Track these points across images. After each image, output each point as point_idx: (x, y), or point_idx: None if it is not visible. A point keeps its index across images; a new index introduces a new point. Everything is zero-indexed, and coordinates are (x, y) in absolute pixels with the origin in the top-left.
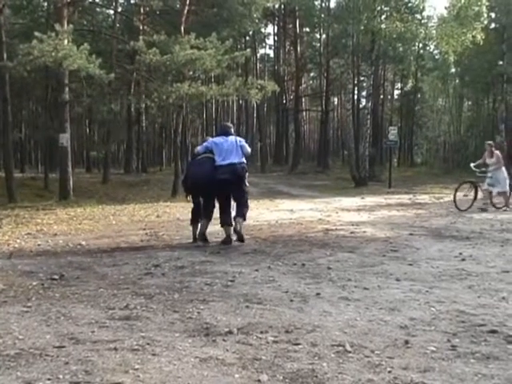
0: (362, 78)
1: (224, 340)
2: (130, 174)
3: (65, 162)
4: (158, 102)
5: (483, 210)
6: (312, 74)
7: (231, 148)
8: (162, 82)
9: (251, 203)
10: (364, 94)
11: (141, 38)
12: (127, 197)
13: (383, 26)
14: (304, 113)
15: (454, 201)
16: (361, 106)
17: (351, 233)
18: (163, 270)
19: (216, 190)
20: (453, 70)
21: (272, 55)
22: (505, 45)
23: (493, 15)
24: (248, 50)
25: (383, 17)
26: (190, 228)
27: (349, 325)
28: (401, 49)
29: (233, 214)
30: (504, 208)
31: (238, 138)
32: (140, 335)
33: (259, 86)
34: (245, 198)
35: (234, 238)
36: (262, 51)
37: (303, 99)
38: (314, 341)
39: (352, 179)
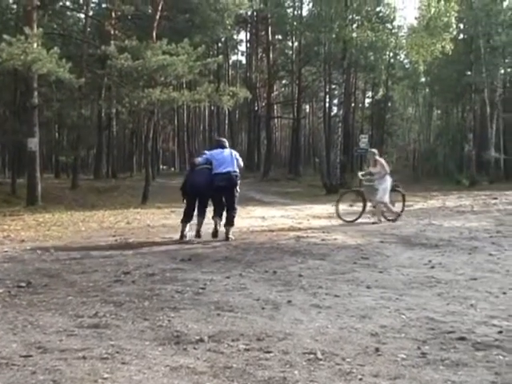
0: (333, 86)
1: (195, 348)
2: (99, 180)
3: (33, 166)
4: (129, 107)
5: (375, 222)
6: (284, 82)
7: (227, 159)
8: (134, 87)
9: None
10: (335, 101)
11: (112, 42)
12: (97, 203)
13: (354, 34)
14: (276, 120)
15: (337, 211)
16: (332, 113)
17: (322, 240)
18: (133, 277)
19: (212, 193)
20: (423, 79)
21: (244, 62)
22: (473, 55)
23: (461, 26)
24: (220, 56)
25: (355, 26)
26: (180, 226)
27: (320, 332)
28: (372, 57)
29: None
30: (376, 220)
31: (234, 152)
32: (109, 343)
33: (231, 93)
34: (235, 201)
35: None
36: (234, 58)
37: (275, 106)
38: (286, 349)
39: (323, 186)
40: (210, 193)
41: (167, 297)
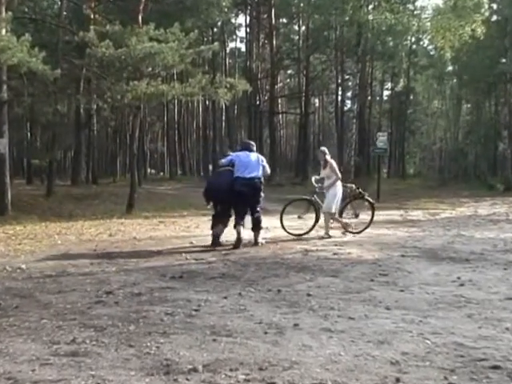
0: (346, 77)
1: (187, 379)
2: (78, 186)
3: (2, 171)
4: (112, 102)
5: (323, 237)
6: (289, 72)
7: (253, 163)
8: (116, 79)
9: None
10: (349, 94)
11: (91, 28)
12: (75, 212)
13: (371, 17)
14: (280, 116)
15: (281, 223)
16: (345, 108)
17: (334, 254)
18: (117, 297)
19: (233, 198)
20: (450, 67)
21: (243, 50)
22: (508, 39)
23: (494, 6)
24: (216, 43)
25: (371, 7)
26: (210, 232)
27: (332, 360)
28: (391, 43)
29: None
30: (324, 234)
31: (261, 157)
32: (89, 374)
33: (228, 85)
34: (259, 205)
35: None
36: (232, 45)
37: (279, 100)
38: (292, 379)
39: None
40: (231, 197)
41: (156, 320)
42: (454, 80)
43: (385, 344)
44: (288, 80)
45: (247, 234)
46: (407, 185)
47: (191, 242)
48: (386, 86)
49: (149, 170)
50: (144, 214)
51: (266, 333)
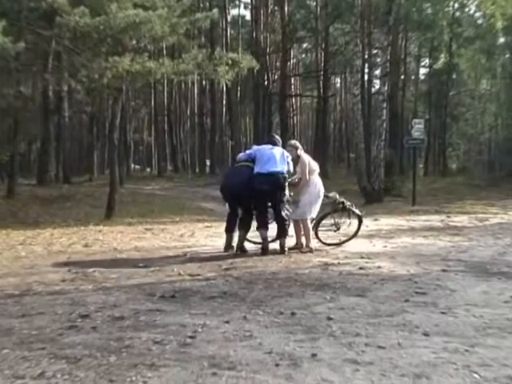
0: (374, 51)
1: None
2: (46, 186)
3: None
4: (88, 82)
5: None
6: (305, 46)
7: (276, 158)
8: (93, 54)
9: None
10: (377, 73)
11: None
12: (43, 218)
13: None
14: (293, 99)
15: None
16: (373, 90)
17: (360, 268)
18: (94, 321)
19: (253, 199)
20: (501, 39)
21: (248, 18)
22: None
23: None
24: (215, 10)
25: None
26: (224, 236)
27: None
28: (429, 10)
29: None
30: (302, 249)
31: (286, 153)
32: None
33: (230, 62)
34: (281, 207)
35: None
36: (234, 12)
37: (292, 80)
38: None
39: (361, 193)
40: (248, 197)
41: (142, 349)
42: (507, 55)
43: (423, 379)
44: (303, 55)
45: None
46: (449, 184)
47: (185, 254)
48: (423, 63)
49: (133, 166)
50: (127, 220)
51: (277, 365)
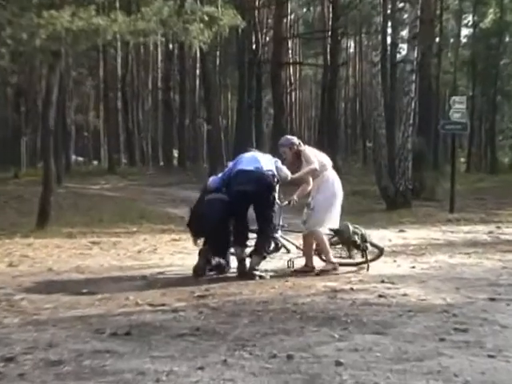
0: (400, 5)
1: None
2: None
3: None
4: (14, 44)
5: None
6: None
7: (258, 158)
8: (21, 7)
9: None
10: (404, 34)
11: None
12: None
13: None
14: (291, 69)
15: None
16: (398, 57)
17: (380, 296)
18: (22, 367)
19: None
20: None
21: None
22: None
23: None
24: None
25: None
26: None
27: None
28: None
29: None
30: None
31: (275, 159)
32: None
33: (206, 18)
34: (270, 217)
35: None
36: None
37: (289, 44)
38: None
39: (381, 195)
40: (222, 231)
41: None
42: None
43: None
44: (304, 10)
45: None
46: (500, 183)
47: (144, 277)
48: (466, 21)
49: (74, 158)
50: (66, 231)
51: None
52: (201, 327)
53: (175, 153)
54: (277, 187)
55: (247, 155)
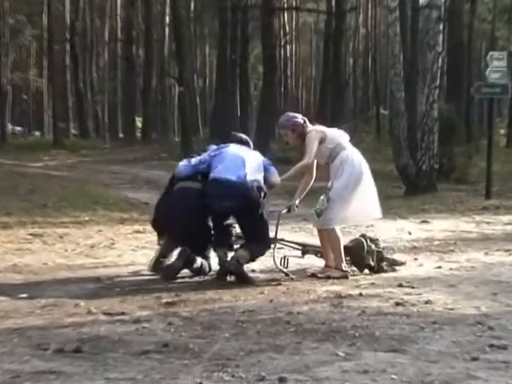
0: None
1: None
2: None
3: None
4: None
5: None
6: None
7: (244, 159)
8: None
9: None
10: None
11: None
12: None
13: None
14: (285, 16)
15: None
16: (422, 0)
17: (397, 304)
18: None
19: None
20: None
21: None
22: None
23: None
24: None
25: None
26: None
27: None
28: None
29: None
30: (325, 271)
31: (263, 158)
32: None
33: None
34: (261, 233)
35: None
36: None
37: None
38: None
39: (400, 176)
40: (199, 228)
41: None
42: None
43: None
44: None
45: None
46: None
47: (98, 279)
48: None
49: (11, 128)
50: (0, 220)
51: None
52: (170, 342)
53: (138, 122)
54: (262, 199)
55: (231, 151)
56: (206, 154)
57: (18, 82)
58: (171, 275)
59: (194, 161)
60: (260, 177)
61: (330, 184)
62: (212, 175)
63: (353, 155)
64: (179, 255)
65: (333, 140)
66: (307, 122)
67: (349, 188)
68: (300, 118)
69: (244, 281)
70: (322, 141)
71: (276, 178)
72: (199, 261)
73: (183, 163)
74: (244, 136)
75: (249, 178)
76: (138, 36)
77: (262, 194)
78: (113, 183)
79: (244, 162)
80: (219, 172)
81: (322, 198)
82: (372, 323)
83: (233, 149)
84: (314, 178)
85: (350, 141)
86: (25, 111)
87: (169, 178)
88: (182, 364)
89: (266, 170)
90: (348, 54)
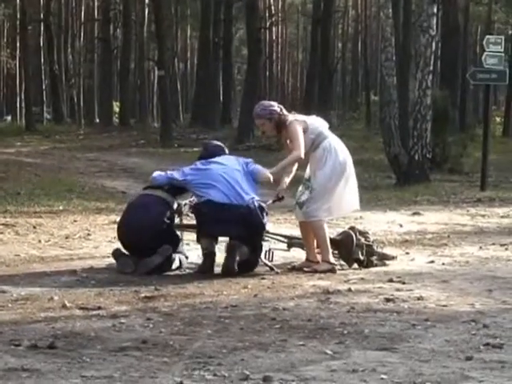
0: None
1: None
2: None
3: None
4: None
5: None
6: None
7: (235, 174)
8: None
9: None
10: None
11: None
12: None
13: None
14: None
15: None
16: None
17: (388, 301)
18: None
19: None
20: None
21: None
22: None
23: None
24: None
25: None
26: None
27: None
28: None
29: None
30: (308, 265)
31: (242, 159)
32: None
33: None
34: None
35: None
36: None
37: None
38: None
39: (391, 165)
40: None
41: None
42: None
43: None
44: None
45: None
46: None
47: (74, 272)
48: None
49: None
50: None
51: None
52: (149, 339)
53: (116, 107)
54: (265, 219)
55: (217, 167)
56: (187, 169)
57: None
58: (147, 270)
59: (169, 172)
60: (255, 192)
61: (307, 174)
62: (207, 197)
63: (335, 144)
64: (159, 252)
65: (314, 130)
66: (284, 111)
67: (332, 178)
68: (276, 106)
69: (231, 274)
70: (304, 131)
71: (263, 174)
72: (177, 259)
73: (158, 173)
74: (219, 143)
75: (247, 198)
76: (115, 16)
77: (265, 213)
78: (89, 171)
79: (236, 179)
80: (215, 195)
81: (300, 189)
82: (361, 320)
83: (213, 163)
84: (295, 162)
85: (339, 128)
86: None
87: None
88: (162, 362)
89: (251, 173)
90: (337, 37)
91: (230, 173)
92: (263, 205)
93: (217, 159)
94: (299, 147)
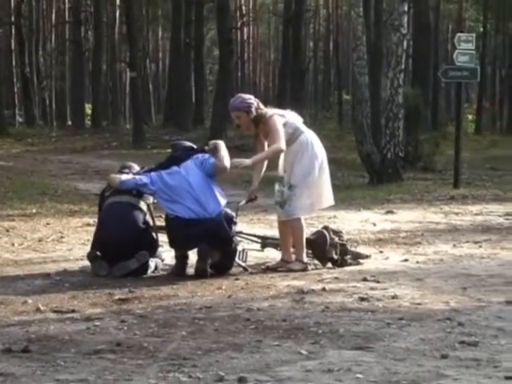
0: None
1: None
2: None
3: None
4: None
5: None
6: None
7: (194, 184)
8: None
9: None
10: None
11: None
12: None
13: None
14: None
15: None
16: None
17: (362, 300)
18: None
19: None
20: None
21: None
22: None
23: None
24: None
25: None
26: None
27: None
28: None
29: None
30: (279, 263)
31: (200, 157)
32: None
33: None
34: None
35: None
36: None
37: None
38: None
39: (364, 164)
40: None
41: None
42: None
43: None
44: None
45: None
46: None
47: (47, 275)
48: None
49: None
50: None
51: None
52: (123, 341)
53: (88, 109)
54: (234, 227)
55: (177, 178)
56: (154, 174)
57: None
58: (121, 274)
59: (138, 177)
60: (224, 200)
61: (281, 171)
62: (175, 214)
63: (311, 138)
64: (136, 258)
65: (292, 124)
66: (260, 105)
67: (311, 173)
68: (253, 99)
69: (204, 277)
70: (283, 125)
71: (218, 166)
72: (153, 264)
73: (125, 177)
74: (188, 143)
75: (211, 209)
76: (86, 18)
77: (234, 221)
78: (61, 173)
79: (193, 187)
80: (181, 211)
81: (277, 187)
82: (336, 320)
83: (183, 181)
84: (266, 156)
85: (311, 128)
86: None
87: (99, 194)
88: (136, 364)
89: (208, 172)
90: (308, 36)
91: (193, 184)
92: (231, 214)
93: (180, 169)
94: (280, 140)
